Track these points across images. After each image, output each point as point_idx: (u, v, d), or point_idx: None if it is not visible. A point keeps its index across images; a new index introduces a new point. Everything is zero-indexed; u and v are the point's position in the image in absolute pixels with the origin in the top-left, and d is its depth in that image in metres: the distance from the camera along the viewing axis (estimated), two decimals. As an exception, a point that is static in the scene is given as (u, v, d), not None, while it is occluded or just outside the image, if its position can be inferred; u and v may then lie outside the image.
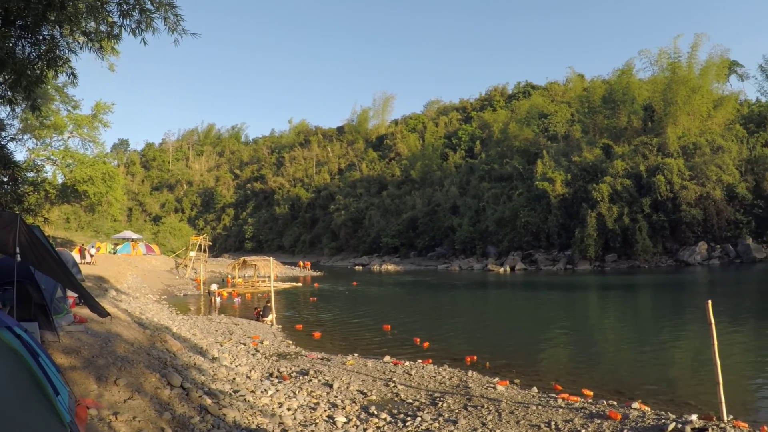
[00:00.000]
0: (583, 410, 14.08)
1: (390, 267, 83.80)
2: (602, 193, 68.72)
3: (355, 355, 22.35)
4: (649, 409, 14.32)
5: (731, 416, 13.26)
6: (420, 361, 20.97)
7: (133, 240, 79.78)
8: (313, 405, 14.37)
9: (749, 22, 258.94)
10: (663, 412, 13.99)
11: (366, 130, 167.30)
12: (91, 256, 56.67)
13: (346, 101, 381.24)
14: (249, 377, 17.11)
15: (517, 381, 18.11)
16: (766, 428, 12.89)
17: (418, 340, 25.72)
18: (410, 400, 15.22)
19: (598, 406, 14.63)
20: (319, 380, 17.29)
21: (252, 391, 14.93)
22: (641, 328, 29.36)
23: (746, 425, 12.68)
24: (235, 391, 14.31)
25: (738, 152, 73.11)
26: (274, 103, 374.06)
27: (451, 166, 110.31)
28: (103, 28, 14.76)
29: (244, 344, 23.93)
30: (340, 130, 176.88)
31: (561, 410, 14.11)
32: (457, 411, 14.11)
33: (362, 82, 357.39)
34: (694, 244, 66.00)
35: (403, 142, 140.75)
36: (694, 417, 13.01)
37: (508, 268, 71.33)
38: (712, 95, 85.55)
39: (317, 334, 27.97)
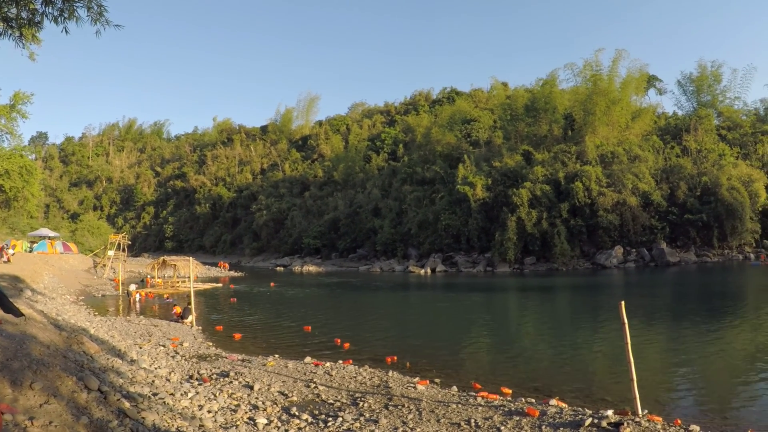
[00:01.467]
0: (502, 408, 14.31)
1: (311, 268, 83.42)
2: (522, 198, 69.94)
3: (276, 356, 22.26)
4: (567, 406, 14.71)
5: (646, 411, 13.79)
6: (341, 361, 21.04)
7: (50, 238, 77.15)
8: (233, 407, 14.22)
9: (670, 40, 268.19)
10: (580, 409, 14.37)
11: (290, 131, 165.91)
12: (9, 256, 54.13)
13: (271, 101, 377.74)
14: (168, 380, 16.78)
15: (437, 380, 18.30)
16: (679, 421, 13.26)
17: (339, 341, 25.79)
18: (331, 401, 15.22)
19: (516, 403, 14.92)
20: (240, 382, 17.15)
21: (171, 394, 14.64)
22: (559, 329, 29.96)
23: (660, 419, 13.14)
24: (155, 394, 13.96)
25: (654, 162, 76.11)
26: (199, 100, 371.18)
27: (373, 168, 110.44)
28: (24, 14, 14.17)
29: (164, 346, 23.53)
30: (264, 129, 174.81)
31: (480, 408, 14.32)
32: (378, 411, 14.18)
33: (288, 82, 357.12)
34: (611, 248, 68.06)
35: (327, 143, 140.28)
36: (609, 412, 13.36)
37: (428, 270, 71.64)
38: (631, 107, 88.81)
39: (238, 336, 27.77)
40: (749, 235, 71.44)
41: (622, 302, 14.17)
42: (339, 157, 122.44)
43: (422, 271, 71.30)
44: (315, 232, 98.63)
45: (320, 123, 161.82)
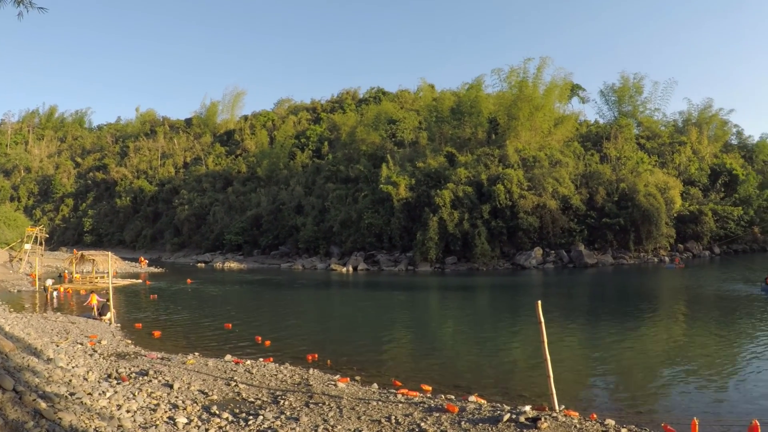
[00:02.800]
0: (422, 404, 14.48)
1: (233, 265, 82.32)
2: (444, 199, 70.47)
3: (196, 354, 22.08)
4: (486, 402, 15.01)
5: (563, 406, 14.21)
6: (261, 359, 20.98)
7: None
8: (153, 406, 13.99)
9: (595, 51, 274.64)
10: (498, 404, 14.72)
11: (214, 124, 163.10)
12: None
13: (197, 93, 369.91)
14: (86, 379, 16.41)
15: (358, 378, 18.46)
16: (595, 416, 13.72)
17: (260, 338, 25.78)
18: (252, 399, 15.14)
19: (436, 400, 15.12)
20: (159, 381, 16.89)
21: (89, 394, 14.32)
22: (479, 327, 30.48)
23: (577, 414, 13.63)
24: (72, 394, 13.64)
25: (574, 167, 77.96)
26: (122, 89, 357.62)
27: (298, 165, 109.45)
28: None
29: (82, 344, 23.05)
30: (188, 122, 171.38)
31: (401, 405, 14.45)
32: (298, 408, 14.18)
33: (214, 75, 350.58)
34: (530, 249, 69.39)
35: (252, 138, 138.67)
36: (527, 408, 13.79)
37: (350, 268, 71.69)
38: (554, 114, 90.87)
39: (157, 333, 27.40)
40: (664, 240, 74.36)
41: (539, 302, 14.54)
42: (263, 152, 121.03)
43: (344, 269, 71.23)
44: (237, 228, 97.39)
45: (246, 118, 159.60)
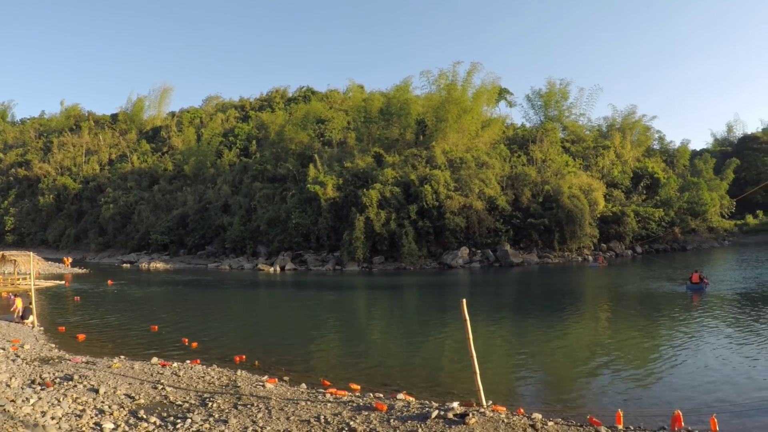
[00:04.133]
0: (351, 403, 14.51)
1: (159, 265, 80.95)
2: (371, 199, 70.68)
3: (122, 357, 21.64)
4: (414, 399, 15.11)
5: (490, 401, 14.49)
6: (188, 361, 20.77)
7: None
8: (79, 412, 13.67)
9: (523, 58, 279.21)
10: (427, 402, 14.77)
11: (141, 120, 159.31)
12: None
13: (123, 88, 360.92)
14: (9, 385, 16.10)
15: (286, 378, 18.43)
16: (522, 410, 14.03)
17: (187, 340, 25.53)
18: (179, 402, 14.92)
19: (365, 399, 15.18)
20: (85, 385, 16.49)
21: (12, 401, 14.10)
22: (407, 326, 30.83)
23: (504, 408, 13.87)
24: None
25: (501, 169, 79.52)
26: (47, 81, 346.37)
27: (225, 163, 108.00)
28: None
29: (3, 349, 22.42)
30: (114, 117, 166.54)
31: (330, 404, 14.45)
32: (227, 411, 14.05)
33: (141, 70, 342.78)
34: (457, 249, 70.14)
35: (178, 136, 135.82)
36: (455, 404, 13.88)
37: (278, 268, 71.29)
38: (482, 117, 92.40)
39: (82, 337, 26.86)
40: (588, 239, 76.23)
41: (464, 300, 14.72)
42: (190, 150, 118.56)
43: (271, 269, 70.81)
44: (163, 227, 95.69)
45: (173, 114, 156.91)
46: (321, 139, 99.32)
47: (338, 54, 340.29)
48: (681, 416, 13.26)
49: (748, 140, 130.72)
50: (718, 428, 13.03)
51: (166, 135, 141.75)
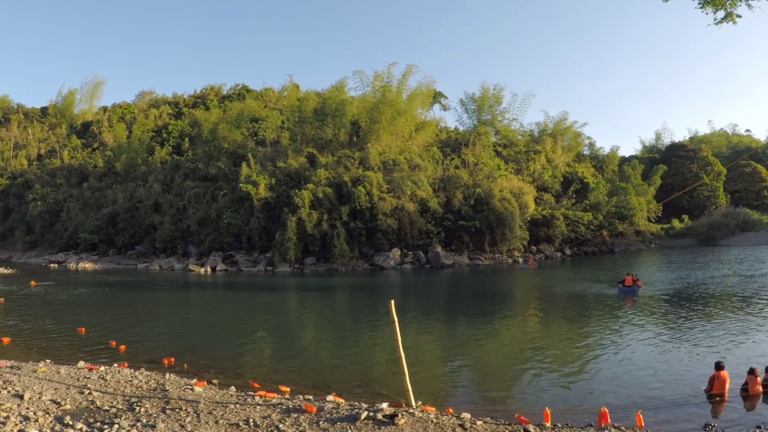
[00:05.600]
0: (280, 406, 14.50)
1: (88, 265, 79.24)
2: (303, 199, 70.51)
3: (48, 361, 21.09)
4: (344, 401, 15.15)
5: (420, 402, 14.62)
6: (116, 365, 20.50)
7: None
8: (2, 419, 13.23)
9: (459, 62, 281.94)
10: (356, 403, 14.89)
11: (71, 115, 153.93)
12: None
13: (55, 80, 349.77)
14: None
15: (215, 381, 18.38)
16: (451, 410, 14.31)
17: (114, 343, 25.12)
18: (107, 407, 14.62)
19: (294, 401, 15.21)
20: (9, 391, 16.00)
21: None
22: (339, 327, 31.06)
23: (433, 409, 14.09)
24: None
25: (433, 171, 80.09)
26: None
27: (156, 161, 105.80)
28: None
29: None
30: (44, 111, 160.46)
31: (259, 407, 14.45)
32: (155, 415, 13.86)
33: (73, 61, 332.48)
34: (389, 250, 70.47)
35: (110, 131, 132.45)
36: (384, 405, 14.04)
37: (209, 269, 70.64)
38: (416, 119, 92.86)
39: (6, 340, 26.22)
40: (518, 242, 77.38)
41: (392, 301, 14.77)
42: (121, 147, 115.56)
43: (202, 270, 70.13)
44: (92, 226, 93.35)
45: (105, 109, 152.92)
46: (255, 138, 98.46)
47: (275, 52, 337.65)
48: (607, 413, 13.70)
49: (675, 148, 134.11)
50: (643, 423, 13.54)
51: (97, 130, 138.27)
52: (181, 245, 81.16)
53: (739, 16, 18.29)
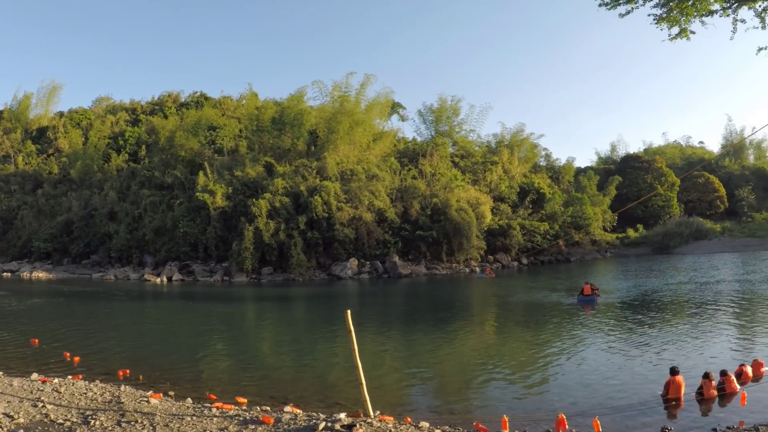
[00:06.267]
0: (237, 417, 14.41)
1: (41, 274, 77.94)
2: (261, 209, 70.32)
3: (0, 373, 20.76)
4: (301, 412, 15.15)
5: (378, 412, 14.66)
6: (70, 377, 20.15)
7: None
8: None
9: (417, 73, 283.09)
10: (314, 414, 14.91)
11: (27, 119, 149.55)
12: None
13: (10, 83, 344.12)
14: None
15: (171, 393, 18.13)
16: (409, 419, 14.36)
17: (69, 355, 24.71)
18: (61, 420, 14.40)
19: (252, 412, 15.10)
20: None
21: None
22: (296, 337, 31.07)
23: (392, 418, 14.18)
24: None
25: (391, 181, 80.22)
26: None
27: (113, 168, 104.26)
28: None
29: None
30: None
31: (216, 419, 14.34)
32: (110, 428, 13.70)
33: (30, 64, 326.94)
34: (346, 260, 70.63)
35: (66, 137, 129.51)
36: (342, 415, 14.06)
37: (165, 279, 70.15)
38: (374, 129, 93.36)
39: None
40: (475, 251, 78.03)
41: (348, 311, 14.81)
42: (77, 153, 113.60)
43: (158, 280, 69.60)
44: (46, 234, 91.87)
45: (61, 114, 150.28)
46: (212, 146, 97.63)
47: (235, 60, 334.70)
48: (565, 419, 13.89)
49: (630, 159, 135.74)
50: (600, 429, 13.77)
51: (52, 136, 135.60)
52: (137, 255, 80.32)
53: (693, 33, 18.80)
